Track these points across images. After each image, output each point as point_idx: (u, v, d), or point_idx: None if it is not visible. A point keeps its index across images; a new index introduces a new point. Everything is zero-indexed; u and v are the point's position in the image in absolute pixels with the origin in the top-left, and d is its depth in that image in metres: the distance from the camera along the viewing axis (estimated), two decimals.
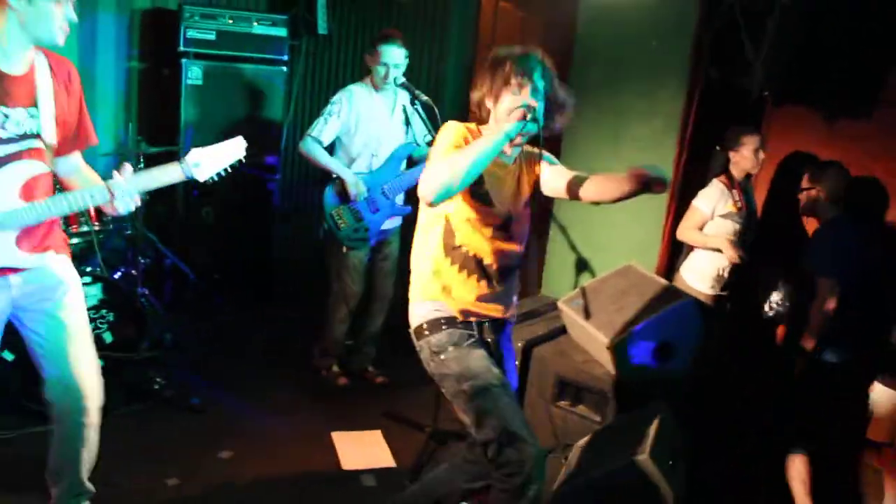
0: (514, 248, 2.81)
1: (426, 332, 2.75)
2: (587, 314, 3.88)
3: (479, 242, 2.73)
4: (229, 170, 2.75)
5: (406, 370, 4.61)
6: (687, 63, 4.38)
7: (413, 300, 2.84)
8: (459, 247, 2.73)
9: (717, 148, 4.29)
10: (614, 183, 2.63)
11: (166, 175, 2.66)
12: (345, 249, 4.32)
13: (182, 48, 5.24)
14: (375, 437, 4.09)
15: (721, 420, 4.16)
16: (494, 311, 2.81)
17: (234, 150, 2.74)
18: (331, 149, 4.31)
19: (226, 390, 4.39)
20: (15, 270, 2.64)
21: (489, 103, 2.73)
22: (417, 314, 2.80)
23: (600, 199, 2.71)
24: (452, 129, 2.69)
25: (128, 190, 2.62)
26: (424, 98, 4.05)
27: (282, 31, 5.51)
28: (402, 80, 4.13)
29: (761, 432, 4.06)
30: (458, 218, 2.72)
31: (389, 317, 4.61)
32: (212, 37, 5.28)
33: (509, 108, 2.66)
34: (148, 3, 5.56)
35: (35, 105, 2.59)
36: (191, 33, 5.24)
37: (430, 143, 4.20)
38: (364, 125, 4.26)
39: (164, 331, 4.68)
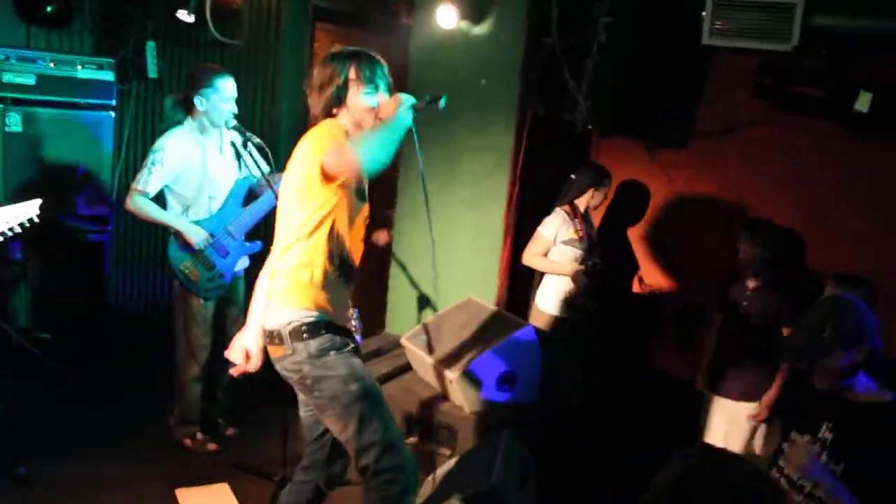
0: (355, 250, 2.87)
1: (304, 336, 2.66)
2: (430, 349, 3.91)
3: (354, 244, 2.80)
4: (17, 229, 2.53)
5: (254, 419, 4.56)
6: (516, 100, 4.57)
7: (283, 305, 2.73)
8: (341, 252, 2.75)
9: (572, 178, 4.48)
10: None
11: None
12: (201, 301, 4.14)
13: None
14: (222, 490, 3.94)
15: (573, 442, 4.27)
16: (354, 320, 2.96)
17: (21, 208, 2.57)
18: (163, 199, 4.12)
19: (57, 457, 4.08)
20: None
21: (338, 111, 2.79)
22: (291, 317, 2.70)
23: None
24: (332, 124, 2.76)
25: None
26: (257, 140, 3.99)
27: (109, 75, 5.30)
28: (234, 122, 4.05)
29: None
30: (340, 220, 2.73)
31: None
32: (31, 81, 5.01)
33: (371, 108, 2.77)
34: None
35: None
36: (7, 77, 4.94)
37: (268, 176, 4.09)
38: (194, 169, 4.07)
39: None
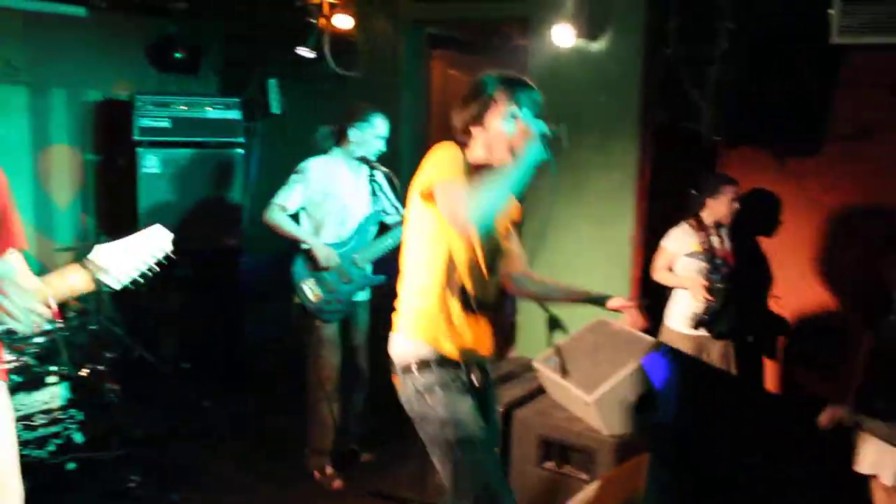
0: (499, 283, 2.79)
1: (413, 370, 2.62)
2: (564, 372, 3.86)
3: (478, 278, 2.67)
4: (155, 268, 2.36)
5: (392, 445, 4.61)
6: (637, 114, 4.49)
7: (400, 335, 2.71)
8: (460, 283, 2.63)
9: (693, 192, 4.38)
10: (557, 294, 2.88)
11: (68, 282, 2.23)
12: (318, 323, 4.23)
13: (137, 137, 5.24)
14: None
15: (712, 466, 4.13)
16: (484, 349, 2.73)
17: (153, 242, 2.35)
18: (297, 219, 4.24)
19: (203, 486, 4.24)
20: None
21: (475, 129, 2.67)
22: (405, 350, 2.67)
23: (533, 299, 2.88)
24: (451, 151, 2.59)
25: (21, 306, 2.15)
26: (383, 169, 4.08)
27: (236, 114, 5.54)
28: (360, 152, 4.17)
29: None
30: (460, 252, 2.64)
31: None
32: (166, 124, 5.29)
33: (506, 135, 2.61)
34: (99, 96, 5.58)
35: None
36: (144, 122, 5.24)
37: (396, 212, 4.20)
38: (332, 194, 4.19)
39: (136, 426, 4.56)
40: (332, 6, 5.20)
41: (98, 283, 2.23)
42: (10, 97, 5.26)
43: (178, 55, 5.74)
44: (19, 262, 2.48)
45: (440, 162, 2.56)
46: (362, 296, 4.39)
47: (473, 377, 2.69)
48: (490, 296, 2.74)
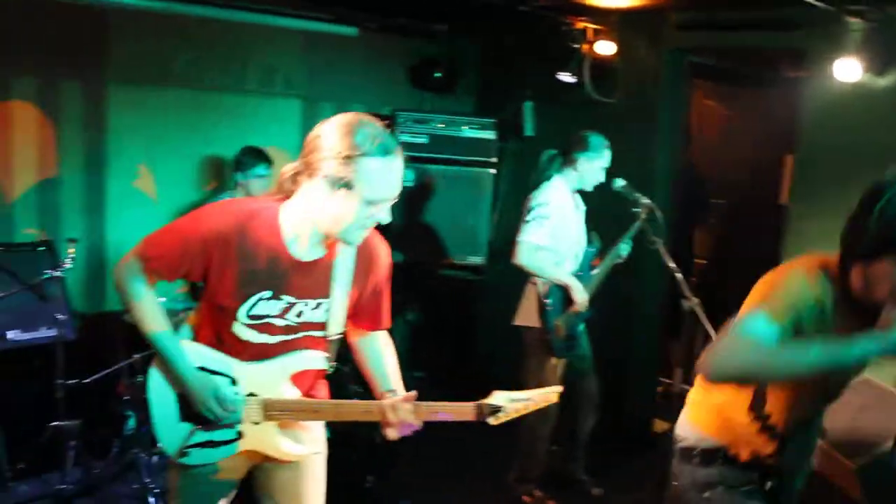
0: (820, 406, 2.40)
1: (695, 460, 2.35)
2: (822, 434, 3.57)
3: (795, 408, 2.24)
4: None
5: (620, 477, 4.50)
6: None
7: (692, 420, 2.43)
8: (767, 413, 2.25)
9: None
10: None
11: (456, 413, 2.31)
12: (552, 358, 4.16)
13: None
14: None
15: None
16: (784, 466, 2.33)
17: (540, 398, 2.37)
18: None
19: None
20: None
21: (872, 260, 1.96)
22: (692, 435, 2.39)
23: None
24: (801, 281, 2.04)
25: (402, 416, 2.28)
26: (645, 201, 4.00)
27: (490, 134, 5.66)
28: (622, 183, 4.10)
29: None
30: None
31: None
32: (424, 140, 5.49)
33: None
34: (364, 110, 5.87)
35: (327, 296, 2.30)
36: (404, 137, 5.48)
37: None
38: (568, 224, 4.17)
39: (374, 431, 4.72)
40: (596, 32, 5.18)
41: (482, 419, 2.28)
42: (286, 109, 5.68)
43: (436, 75, 5.95)
44: (388, 343, 2.56)
45: (777, 284, 2.07)
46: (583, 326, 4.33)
47: (766, 485, 2.34)
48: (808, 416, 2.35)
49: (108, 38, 4.82)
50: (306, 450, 2.48)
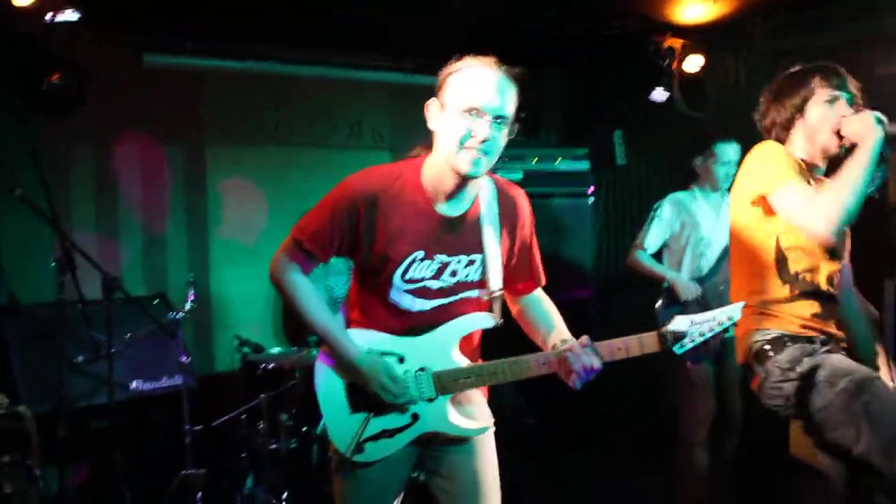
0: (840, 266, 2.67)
1: (770, 353, 2.53)
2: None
3: (810, 263, 2.58)
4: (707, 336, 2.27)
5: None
6: None
7: (739, 335, 2.67)
8: (794, 274, 2.56)
9: None
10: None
11: (637, 347, 2.26)
12: (689, 365, 3.96)
13: None
14: None
15: None
16: (832, 328, 2.61)
17: (723, 316, 2.26)
18: (659, 257, 4.26)
19: None
20: None
21: (797, 121, 2.60)
22: (750, 341, 2.60)
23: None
24: (777, 150, 2.57)
25: (583, 360, 2.18)
26: None
27: (584, 165, 5.60)
28: None
29: None
30: (790, 242, 2.56)
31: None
32: (519, 176, 5.42)
33: (831, 120, 2.53)
34: None
35: (479, 251, 2.27)
36: (499, 174, 5.39)
37: None
38: (688, 225, 4.18)
39: None
40: (684, 47, 5.11)
41: (668, 346, 2.25)
42: (375, 161, 5.68)
43: (521, 116, 5.92)
44: (546, 297, 2.51)
45: (769, 164, 2.52)
46: (732, 332, 4.07)
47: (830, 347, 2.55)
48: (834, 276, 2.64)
49: (204, 101, 4.98)
50: (482, 424, 2.36)
